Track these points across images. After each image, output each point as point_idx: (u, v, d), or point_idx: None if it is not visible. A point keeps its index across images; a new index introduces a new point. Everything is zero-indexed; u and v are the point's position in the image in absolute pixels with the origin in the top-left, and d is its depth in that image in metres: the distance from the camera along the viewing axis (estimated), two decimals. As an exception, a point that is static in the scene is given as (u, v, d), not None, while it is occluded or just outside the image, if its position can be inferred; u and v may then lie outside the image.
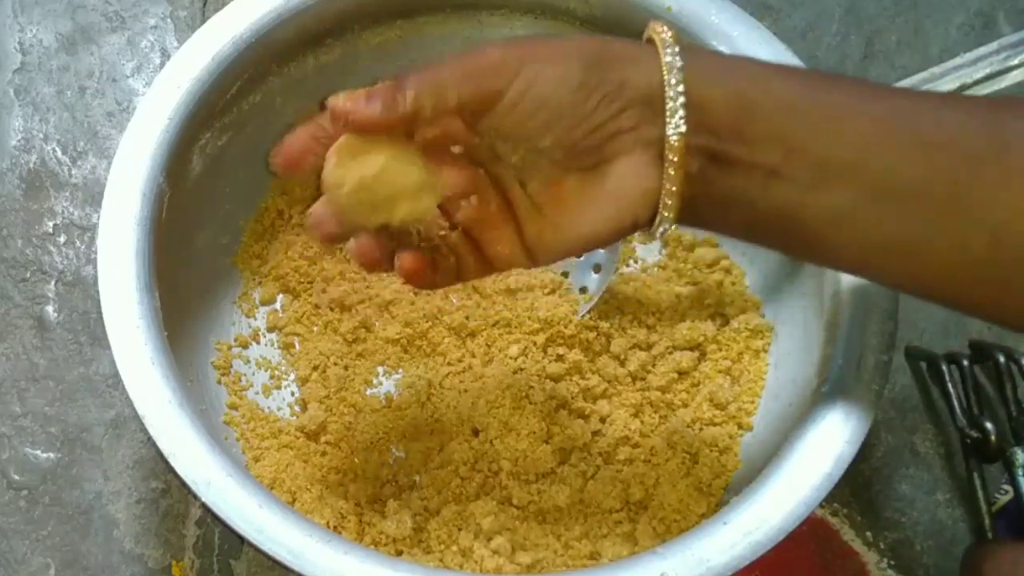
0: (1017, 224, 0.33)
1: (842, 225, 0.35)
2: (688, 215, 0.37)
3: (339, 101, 0.36)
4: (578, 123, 0.36)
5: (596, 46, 0.36)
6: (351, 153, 0.37)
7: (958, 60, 0.40)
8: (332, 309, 0.54)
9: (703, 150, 0.36)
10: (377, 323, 0.54)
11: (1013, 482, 0.50)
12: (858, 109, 0.35)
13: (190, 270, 0.51)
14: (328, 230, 0.38)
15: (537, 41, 0.37)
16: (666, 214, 0.36)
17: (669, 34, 0.36)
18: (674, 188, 0.36)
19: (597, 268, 0.54)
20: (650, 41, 0.37)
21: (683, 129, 0.35)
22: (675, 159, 0.35)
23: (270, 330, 0.54)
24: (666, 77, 0.35)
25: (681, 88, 0.35)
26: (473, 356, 0.53)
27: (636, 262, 0.56)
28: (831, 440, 0.42)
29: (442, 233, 0.38)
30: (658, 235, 0.37)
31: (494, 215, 0.38)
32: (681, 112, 0.35)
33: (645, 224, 0.37)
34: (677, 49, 0.36)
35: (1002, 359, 0.52)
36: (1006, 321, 0.37)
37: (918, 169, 0.34)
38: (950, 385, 0.53)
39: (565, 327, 0.52)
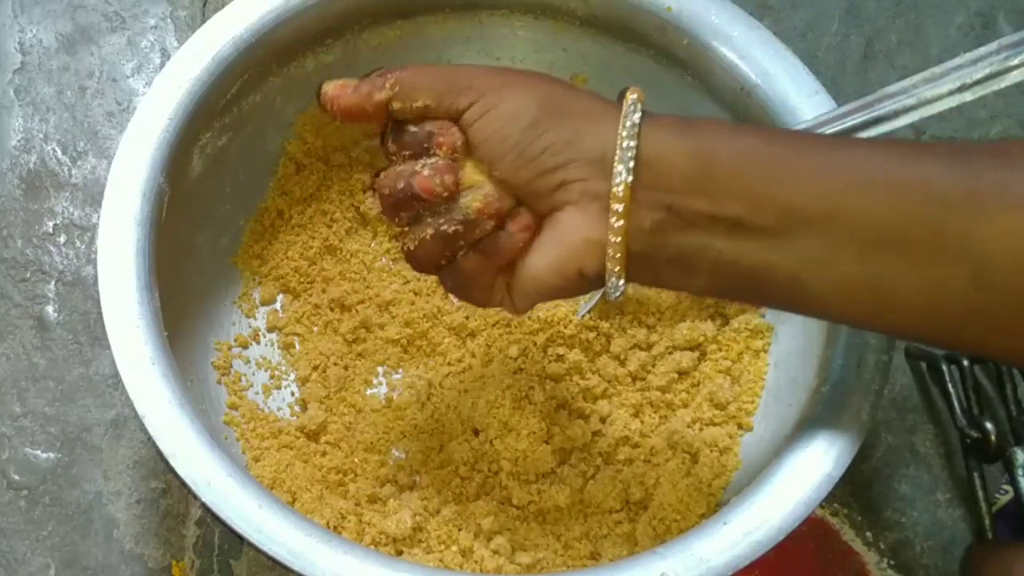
0: (997, 260, 0.33)
1: (818, 273, 0.35)
2: (646, 274, 0.37)
3: (329, 88, 0.39)
4: (523, 164, 0.36)
5: (560, 94, 0.37)
6: None
7: (958, 60, 0.40)
8: (332, 309, 0.54)
9: (655, 206, 0.35)
10: (377, 323, 0.54)
11: (1013, 482, 0.50)
12: (823, 158, 0.35)
13: (190, 270, 0.51)
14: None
15: (516, 74, 0.38)
16: (613, 268, 0.36)
17: (636, 97, 0.36)
18: (618, 240, 0.36)
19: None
20: (620, 98, 0.37)
21: (628, 179, 0.35)
22: (619, 209, 0.35)
23: (270, 330, 0.54)
24: (619, 130, 0.35)
25: (633, 143, 0.35)
26: (473, 356, 0.53)
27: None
28: (831, 440, 0.42)
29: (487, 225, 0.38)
30: (610, 290, 0.37)
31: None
32: (628, 163, 0.35)
33: (593, 277, 0.37)
34: (639, 107, 0.36)
35: (1002, 359, 0.52)
36: (995, 356, 0.37)
37: (891, 212, 0.34)
38: (950, 385, 0.53)
39: (565, 327, 0.52)
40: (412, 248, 0.39)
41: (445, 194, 0.37)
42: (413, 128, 0.38)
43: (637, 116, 0.36)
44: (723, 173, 0.35)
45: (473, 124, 0.37)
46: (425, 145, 0.37)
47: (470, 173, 0.37)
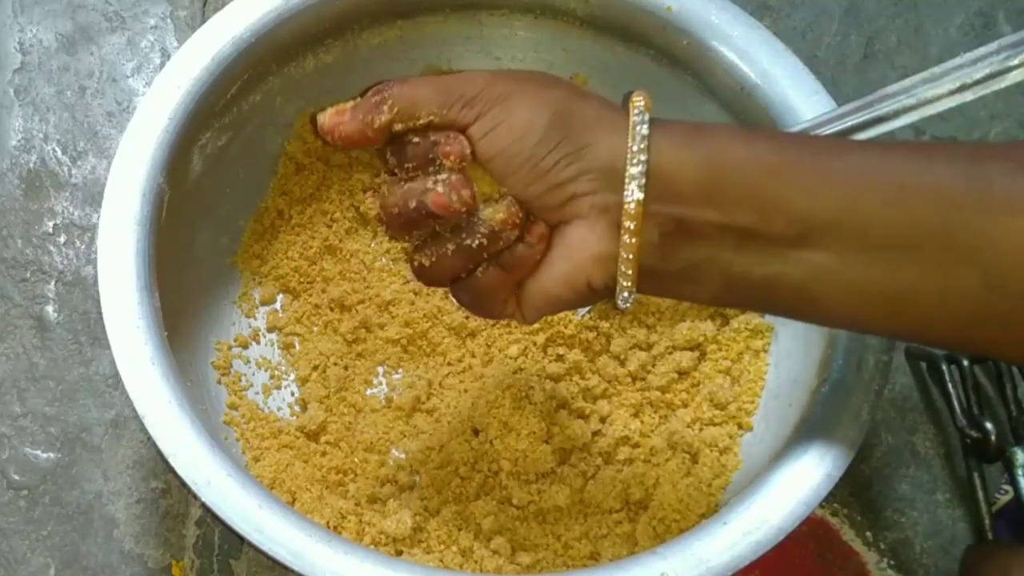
0: (1008, 263, 0.33)
1: (828, 281, 0.35)
2: (654, 286, 0.37)
3: (325, 119, 0.37)
4: (534, 179, 0.36)
5: (568, 103, 0.36)
6: None
7: (958, 60, 0.40)
8: (332, 309, 0.54)
9: (666, 219, 0.35)
10: (377, 323, 0.54)
11: (1013, 482, 0.50)
12: (834, 164, 0.35)
13: (190, 270, 0.51)
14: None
15: (520, 81, 0.37)
16: (624, 283, 0.36)
17: (643, 102, 0.36)
18: (630, 256, 0.36)
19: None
20: (625, 105, 0.37)
21: (639, 196, 0.35)
22: (631, 226, 0.35)
23: (270, 330, 0.54)
24: (630, 144, 0.35)
25: (644, 157, 0.35)
26: (473, 356, 0.53)
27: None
28: (831, 440, 0.42)
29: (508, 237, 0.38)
30: (620, 302, 0.37)
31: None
32: (640, 180, 0.35)
33: (602, 289, 0.37)
34: (647, 117, 0.35)
35: (1002, 359, 0.52)
36: (1007, 357, 0.37)
37: (902, 218, 0.34)
38: (950, 385, 0.53)
39: (565, 327, 0.52)
40: (428, 264, 0.38)
41: (463, 209, 0.36)
42: (416, 139, 0.37)
43: (646, 128, 0.35)
44: (733, 183, 0.35)
45: (481, 139, 0.36)
46: (431, 156, 0.36)
47: (480, 183, 0.37)
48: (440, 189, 0.36)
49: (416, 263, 0.39)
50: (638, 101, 0.36)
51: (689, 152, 0.35)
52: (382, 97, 0.36)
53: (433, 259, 0.38)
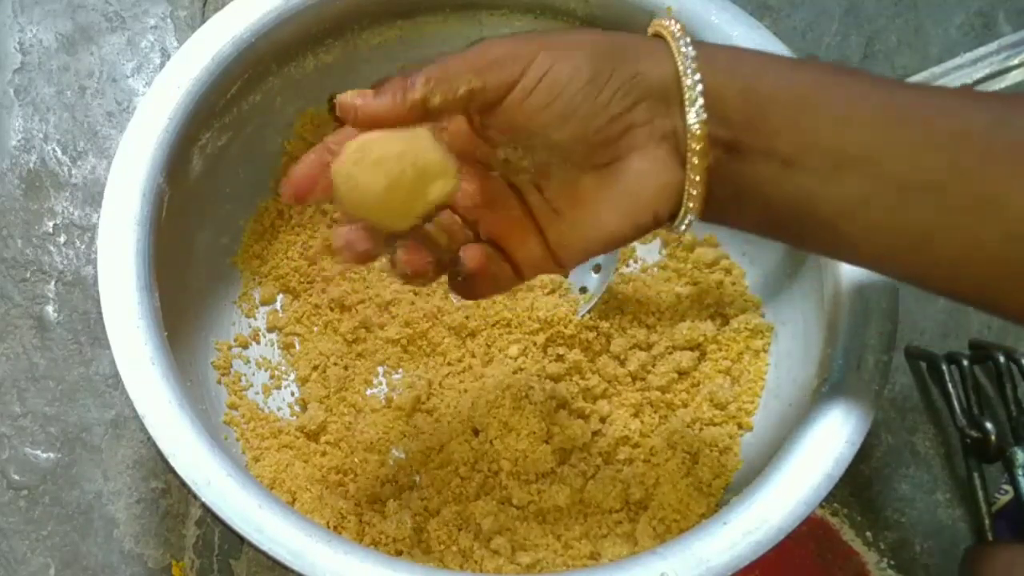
0: None
1: (856, 216, 0.35)
2: (712, 211, 0.37)
3: (347, 97, 0.36)
4: (592, 116, 0.35)
5: (607, 40, 0.36)
6: (363, 153, 0.35)
7: (958, 60, 0.40)
8: (332, 309, 0.54)
9: (720, 141, 0.35)
10: (377, 323, 0.54)
11: (1013, 482, 0.50)
12: (870, 101, 0.35)
13: (190, 270, 0.51)
14: (362, 248, 0.37)
15: (548, 34, 0.37)
16: (690, 205, 0.36)
17: (678, 27, 0.36)
18: (698, 178, 0.35)
19: (597, 268, 0.54)
20: (657, 36, 0.37)
21: (704, 117, 0.35)
22: (698, 148, 0.35)
23: (270, 330, 0.54)
24: (681, 68, 0.35)
25: (698, 77, 0.35)
26: (473, 356, 0.53)
27: (636, 262, 0.56)
28: (831, 440, 0.42)
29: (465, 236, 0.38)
30: (682, 229, 0.37)
31: (518, 222, 0.38)
32: (700, 101, 0.35)
33: (666, 220, 0.37)
34: (689, 40, 0.35)
35: (1002, 359, 0.52)
36: (1020, 317, 0.37)
37: (931, 161, 0.34)
38: (950, 385, 0.53)
39: (565, 327, 0.52)
40: (412, 273, 0.39)
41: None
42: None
43: (692, 49, 0.35)
44: (772, 112, 0.35)
45: (531, 94, 0.35)
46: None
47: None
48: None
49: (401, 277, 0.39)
50: (671, 26, 0.36)
51: (731, 79, 0.35)
52: (416, 75, 0.35)
53: (408, 272, 0.38)
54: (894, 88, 0.36)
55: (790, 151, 0.35)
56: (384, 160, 0.35)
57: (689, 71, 0.35)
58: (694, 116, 0.35)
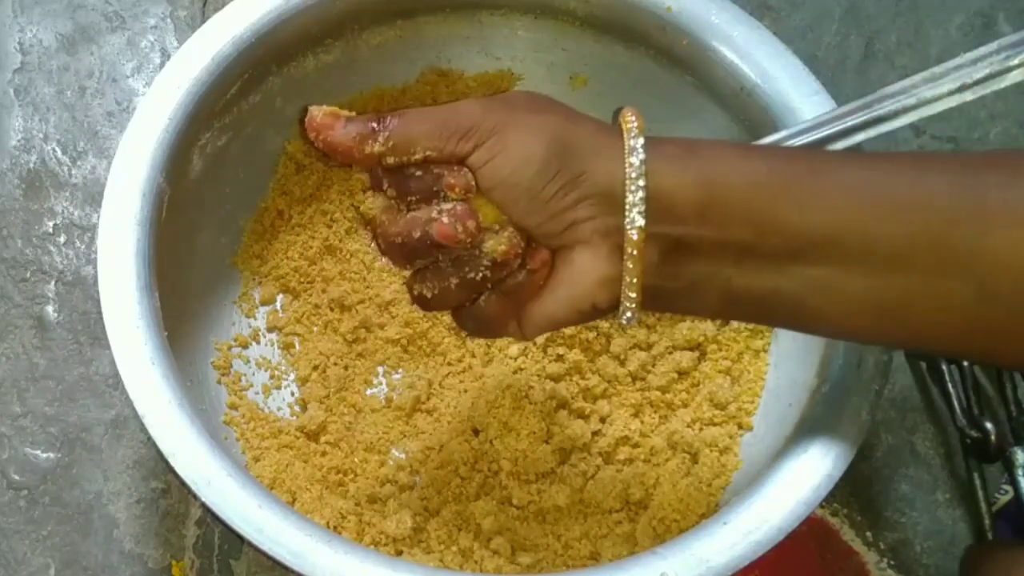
0: (1002, 273, 0.33)
1: (826, 295, 0.35)
2: (658, 302, 0.37)
3: (317, 115, 0.37)
4: (535, 208, 0.36)
5: (563, 129, 0.36)
6: None
7: (958, 60, 0.40)
8: (332, 309, 0.54)
9: (664, 239, 0.36)
10: (377, 323, 0.54)
11: (1013, 482, 0.50)
12: (828, 181, 0.35)
13: (190, 270, 0.51)
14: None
15: (514, 108, 0.37)
16: (628, 304, 0.37)
17: (635, 124, 0.36)
18: (634, 280, 0.36)
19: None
20: (620, 130, 0.37)
21: (641, 223, 0.35)
22: (634, 252, 0.35)
23: (270, 330, 0.54)
24: (627, 170, 0.35)
25: (642, 183, 0.35)
26: (473, 356, 0.53)
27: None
28: (831, 440, 0.42)
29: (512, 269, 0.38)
30: (624, 321, 0.37)
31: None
32: (640, 206, 0.35)
33: (608, 310, 0.37)
34: (641, 141, 0.36)
35: (1002, 359, 0.52)
36: (1002, 364, 0.37)
37: (896, 232, 0.34)
38: (950, 385, 0.53)
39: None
40: (429, 296, 0.38)
41: (469, 240, 0.36)
42: (419, 172, 0.36)
43: (642, 152, 0.35)
44: (728, 201, 0.35)
45: (479, 169, 0.36)
46: (435, 188, 0.36)
47: (483, 211, 0.36)
48: (445, 220, 0.36)
49: (417, 293, 0.39)
50: (630, 121, 0.36)
51: (684, 172, 0.35)
52: (379, 127, 0.36)
53: (435, 291, 0.38)
54: (851, 164, 0.36)
55: (747, 238, 0.35)
56: None
57: (633, 175, 0.35)
58: (630, 222, 0.35)
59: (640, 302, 0.36)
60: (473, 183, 0.36)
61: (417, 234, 0.36)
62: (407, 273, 0.40)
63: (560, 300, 0.37)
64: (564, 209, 0.36)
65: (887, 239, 0.34)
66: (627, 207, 0.35)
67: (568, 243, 0.36)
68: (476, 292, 0.38)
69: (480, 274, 0.37)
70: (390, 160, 0.36)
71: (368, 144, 0.36)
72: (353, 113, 0.37)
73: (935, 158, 0.37)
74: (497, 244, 0.36)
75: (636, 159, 0.35)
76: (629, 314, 0.37)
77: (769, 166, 0.36)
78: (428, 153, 0.36)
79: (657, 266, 0.36)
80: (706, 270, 0.36)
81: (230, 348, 0.53)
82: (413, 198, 0.37)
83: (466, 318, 0.39)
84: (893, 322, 0.36)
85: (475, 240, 0.36)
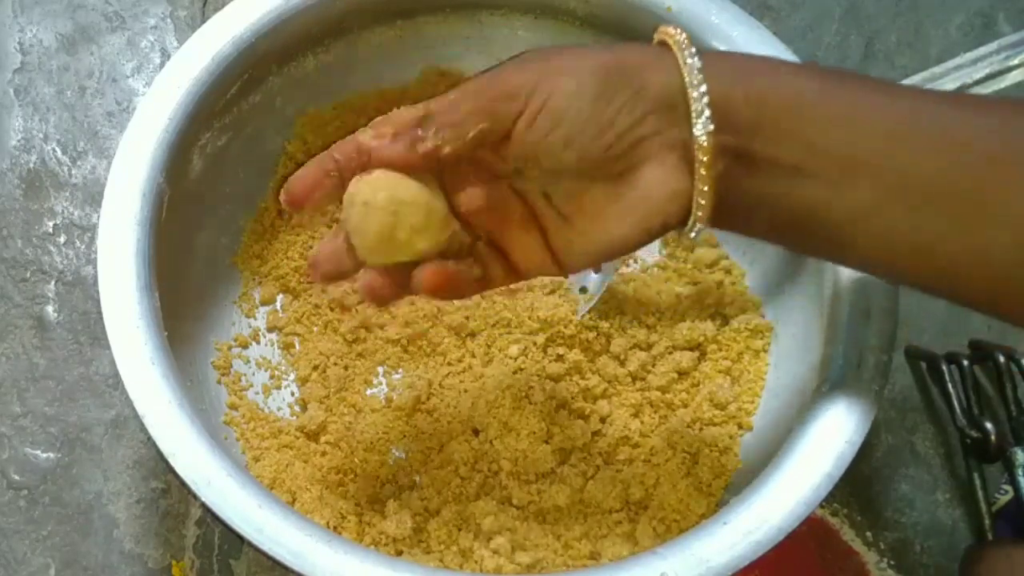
0: None
1: (866, 222, 0.35)
2: (721, 219, 0.37)
3: (366, 137, 0.37)
4: (600, 134, 0.35)
5: (611, 56, 0.36)
6: (373, 190, 0.37)
7: (958, 60, 0.40)
8: (332, 309, 0.54)
9: (728, 149, 0.35)
10: (377, 323, 0.54)
11: (1013, 482, 0.50)
12: (877, 107, 0.35)
13: (190, 270, 0.51)
14: (339, 268, 0.39)
15: (551, 54, 0.37)
16: (699, 214, 0.36)
17: (683, 36, 0.36)
18: (706, 188, 0.36)
19: (597, 268, 0.54)
20: (662, 44, 0.37)
21: (711, 128, 0.35)
22: (705, 159, 0.35)
23: (270, 330, 0.54)
24: (687, 78, 0.35)
25: (704, 88, 0.35)
26: (473, 356, 0.53)
27: (636, 262, 0.56)
28: (831, 440, 0.42)
29: (463, 242, 0.38)
30: (692, 236, 0.37)
31: (518, 223, 0.38)
32: (707, 112, 0.35)
33: (676, 226, 0.37)
34: (694, 50, 0.35)
35: (1002, 359, 0.52)
36: None
37: (939, 167, 0.34)
38: (950, 385, 0.53)
39: (565, 327, 0.52)
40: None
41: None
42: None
43: (698, 60, 0.35)
44: (778, 119, 0.35)
45: (534, 123, 0.36)
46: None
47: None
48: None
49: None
50: (677, 35, 0.36)
51: (736, 87, 0.35)
52: (426, 125, 0.36)
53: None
54: (901, 93, 0.36)
55: (797, 157, 0.35)
56: (383, 207, 0.37)
57: (695, 82, 0.35)
58: (700, 128, 0.35)
59: (710, 215, 0.36)
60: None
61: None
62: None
63: (632, 221, 0.37)
64: (630, 127, 0.35)
65: (929, 171, 0.34)
66: (694, 114, 0.35)
67: (634, 162, 0.36)
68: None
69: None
70: (447, 150, 0.36)
71: (420, 146, 0.36)
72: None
73: (980, 100, 0.37)
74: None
75: (694, 66, 0.35)
76: (699, 226, 0.36)
77: (819, 86, 0.35)
78: (482, 126, 0.36)
79: (721, 177, 0.36)
80: (762, 184, 0.36)
81: (230, 348, 0.53)
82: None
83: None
84: (927, 260, 0.35)
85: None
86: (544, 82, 0.35)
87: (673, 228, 0.37)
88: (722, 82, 0.35)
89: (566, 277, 0.53)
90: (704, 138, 0.35)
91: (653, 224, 0.37)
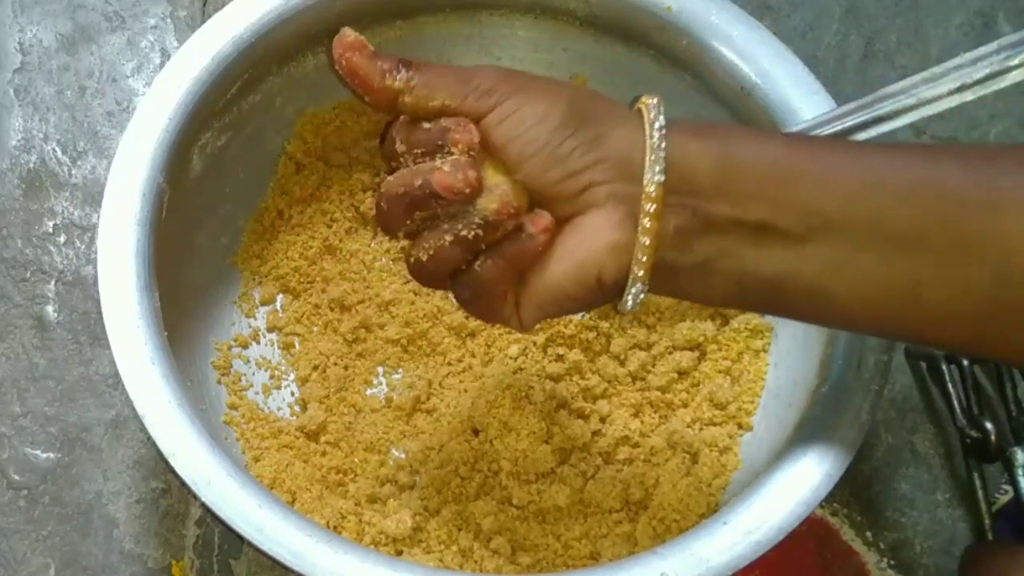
0: (1017, 256, 0.33)
1: (841, 277, 0.35)
2: (667, 282, 0.37)
3: (351, 36, 0.37)
4: (550, 166, 0.35)
5: (583, 98, 0.36)
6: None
7: (958, 60, 0.40)
8: (332, 309, 0.54)
9: (681, 210, 0.35)
10: (377, 323, 0.54)
11: (1013, 482, 0.50)
12: (844, 163, 0.35)
13: (190, 270, 0.51)
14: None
15: (534, 77, 0.37)
16: (639, 272, 0.36)
17: (656, 100, 0.36)
18: (647, 242, 0.35)
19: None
20: (638, 110, 0.37)
21: (661, 179, 0.35)
22: (651, 209, 0.35)
23: (270, 330, 0.54)
24: (648, 134, 0.35)
25: (664, 143, 0.35)
26: (473, 356, 0.53)
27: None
28: (831, 440, 0.42)
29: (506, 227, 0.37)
30: (630, 300, 0.36)
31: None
32: (661, 165, 0.35)
33: (611, 286, 0.36)
34: (662, 110, 0.36)
35: (1002, 359, 0.52)
36: (1014, 358, 0.37)
37: (910, 214, 0.34)
38: (950, 385, 0.53)
39: (565, 327, 0.52)
40: (425, 259, 0.37)
41: (467, 191, 0.35)
42: (427, 125, 0.36)
43: (663, 119, 0.35)
44: (747, 177, 0.35)
45: (499, 125, 0.36)
46: (439, 143, 0.36)
47: (489, 174, 0.36)
48: (447, 168, 0.35)
49: (413, 259, 0.38)
50: (651, 99, 0.36)
51: (703, 147, 0.35)
52: (405, 68, 0.36)
53: (431, 252, 0.37)
54: (867, 149, 0.36)
55: (763, 216, 0.35)
56: None
57: (655, 136, 0.35)
58: (650, 178, 0.35)
59: (650, 276, 0.36)
60: (477, 139, 0.35)
61: (418, 182, 0.36)
62: (406, 274, 0.39)
63: (565, 268, 0.36)
64: (581, 169, 0.35)
65: (903, 220, 0.34)
66: (648, 164, 0.35)
67: (581, 208, 0.36)
68: (470, 253, 0.37)
69: (472, 232, 0.36)
70: (407, 99, 0.36)
71: (390, 78, 0.36)
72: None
73: (949, 147, 0.37)
74: (489, 201, 0.35)
75: (658, 124, 0.35)
76: (636, 288, 0.36)
77: (786, 148, 0.36)
78: (447, 103, 0.36)
79: (672, 238, 0.35)
80: (721, 247, 0.36)
81: (230, 348, 0.53)
82: (419, 151, 0.36)
83: (462, 285, 0.38)
84: (908, 308, 0.35)
85: (475, 192, 0.35)
86: (519, 94, 0.36)
87: (610, 289, 0.36)
88: (686, 144, 0.35)
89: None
90: (652, 188, 0.35)
91: (588, 275, 0.36)
